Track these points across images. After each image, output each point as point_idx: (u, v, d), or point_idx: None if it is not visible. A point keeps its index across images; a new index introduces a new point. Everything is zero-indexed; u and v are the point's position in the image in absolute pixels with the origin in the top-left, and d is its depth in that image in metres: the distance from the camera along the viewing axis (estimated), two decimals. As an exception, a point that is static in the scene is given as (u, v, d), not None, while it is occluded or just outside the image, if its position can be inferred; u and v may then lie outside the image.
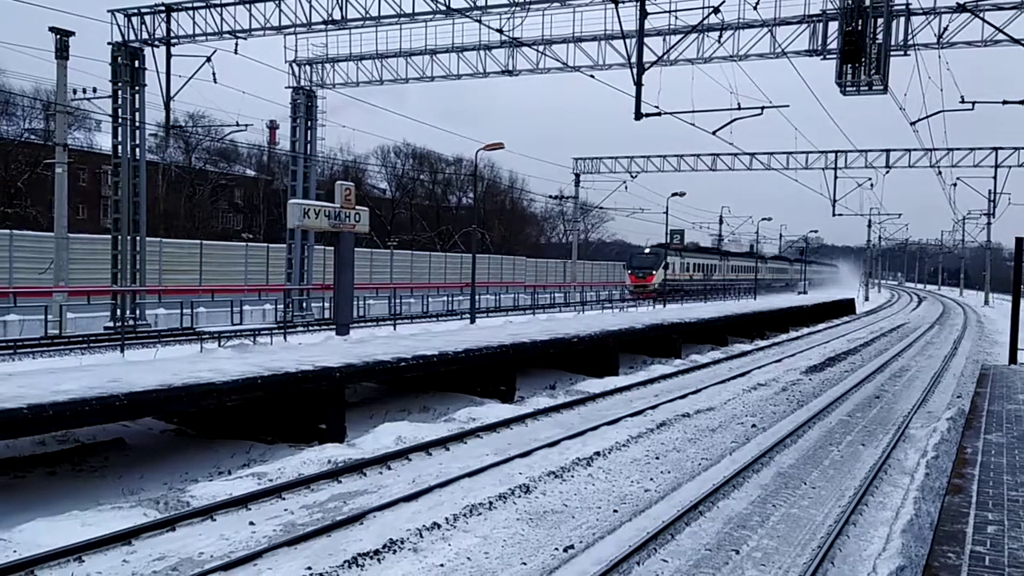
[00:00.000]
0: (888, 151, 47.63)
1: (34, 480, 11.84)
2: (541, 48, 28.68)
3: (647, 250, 64.10)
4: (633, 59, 23.39)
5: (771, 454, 13.60)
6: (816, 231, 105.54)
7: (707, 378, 22.87)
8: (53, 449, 13.03)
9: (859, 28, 22.46)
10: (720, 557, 8.90)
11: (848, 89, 23.16)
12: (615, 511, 10.44)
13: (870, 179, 51.57)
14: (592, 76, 25.20)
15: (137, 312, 28.79)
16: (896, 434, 15.50)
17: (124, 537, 8.84)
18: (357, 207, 22.91)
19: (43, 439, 12.95)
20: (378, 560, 8.48)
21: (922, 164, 46.58)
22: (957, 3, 23.59)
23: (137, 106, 28.97)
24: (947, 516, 7.82)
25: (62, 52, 27.11)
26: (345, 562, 8.29)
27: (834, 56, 23.78)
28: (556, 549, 9.00)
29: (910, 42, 24.40)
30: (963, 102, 25.19)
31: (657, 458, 13.35)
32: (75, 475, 12.26)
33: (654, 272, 61.10)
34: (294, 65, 33.33)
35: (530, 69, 29.96)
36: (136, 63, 28.77)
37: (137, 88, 28.84)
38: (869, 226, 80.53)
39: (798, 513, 10.60)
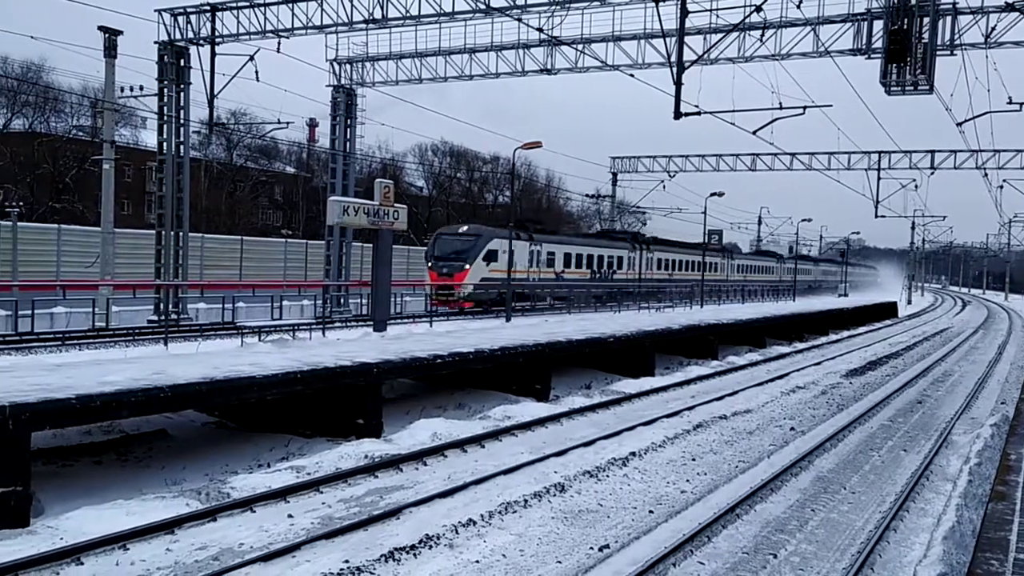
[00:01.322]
0: (933, 152, 46.77)
1: (81, 469, 12.13)
2: (580, 47, 28.61)
3: (462, 229, 38.13)
4: (673, 58, 23.22)
5: (810, 458, 13.46)
6: (858, 232, 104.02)
7: (744, 380, 22.68)
8: (99, 439, 13.33)
9: (905, 27, 22.07)
10: (758, 561, 8.84)
11: (893, 89, 22.78)
12: (651, 512, 10.42)
13: (914, 180, 50.60)
14: (632, 75, 25.09)
15: (180, 306, 29.27)
16: (938, 440, 15.25)
17: (167, 526, 9.03)
18: (395, 204, 23.08)
19: (89, 429, 13.24)
20: (414, 555, 8.55)
21: (968, 165, 45.63)
22: (1005, 2, 23.07)
23: (182, 104, 29.45)
24: (990, 523, 7.70)
25: (110, 51, 27.67)
26: (382, 556, 8.39)
27: (879, 55, 23.41)
28: (591, 548, 9.01)
29: (957, 42, 23.94)
30: (1011, 103, 24.69)
31: (693, 459, 13.28)
32: (120, 465, 12.54)
33: (467, 266, 35.45)
34: (334, 64, 33.64)
35: (569, 68, 29.90)
36: (182, 62, 29.25)
37: (182, 86, 29.32)
38: (913, 228, 79.25)
39: (837, 518, 10.48)
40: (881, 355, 29.88)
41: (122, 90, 30.61)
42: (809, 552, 9.18)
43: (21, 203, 38.07)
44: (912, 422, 17.35)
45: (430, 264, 36.99)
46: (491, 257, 35.88)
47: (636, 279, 47.65)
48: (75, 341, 21.57)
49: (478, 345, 17.78)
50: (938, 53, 23.35)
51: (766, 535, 9.65)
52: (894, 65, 22.32)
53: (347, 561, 8.22)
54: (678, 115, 21.95)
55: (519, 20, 24.87)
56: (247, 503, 10.01)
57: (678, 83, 22.06)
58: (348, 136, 34.36)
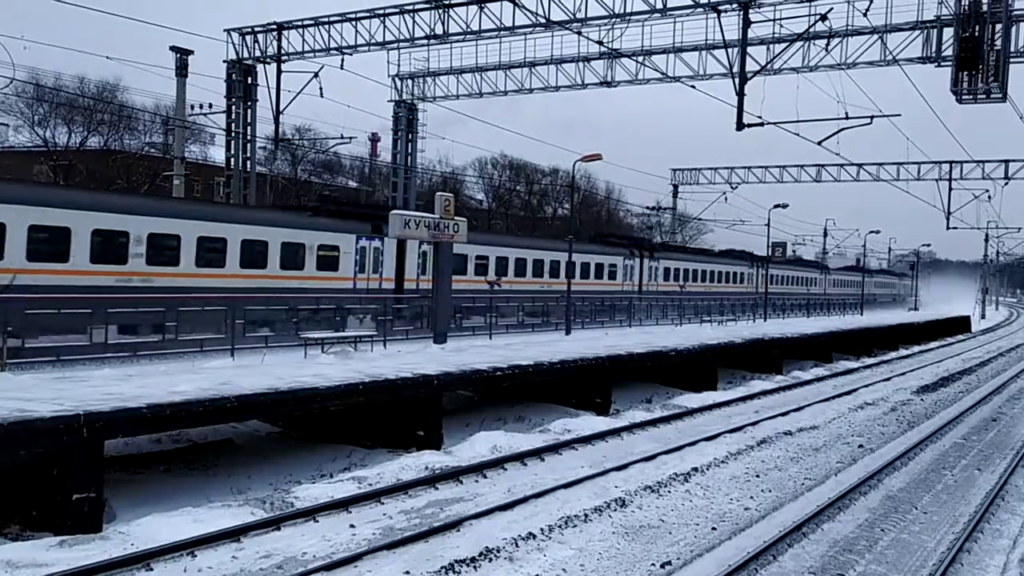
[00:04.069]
0: (1007, 162, 45.30)
1: (150, 477, 12.44)
2: (640, 59, 28.52)
3: None
4: (735, 69, 22.98)
5: (879, 476, 13.08)
6: (928, 244, 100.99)
7: (810, 395, 22.18)
8: (168, 447, 13.68)
9: (976, 34, 21.46)
10: (824, 581, 8.61)
11: (964, 97, 22.16)
12: (713, 528, 10.23)
13: (987, 191, 49.05)
14: (693, 86, 24.90)
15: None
16: (1015, 459, 14.68)
17: (233, 534, 9.20)
18: (456, 218, 23.22)
19: (159, 437, 13.59)
20: (474, 567, 8.55)
21: (1044, 175, 44.10)
22: (1085, 6, 22.30)
23: (249, 120, 30.24)
24: (1074, 549, 7.36)
25: (182, 70, 28.58)
26: (442, 568, 8.40)
27: (949, 63, 22.82)
28: (653, 565, 8.88)
29: (1032, 48, 23.21)
30: (1091, 110, 23.77)
31: (757, 476, 13.02)
32: (188, 473, 12.83)
33: None
34: (396, 79, 34.15)
35: (629, 80, 29.83)
36: (249, 79, 30.06)
37: (249, 103, 30.10)
38: (986, 240, 76.55)
39: (908, 538, 10.16)
40: (953, 371, 28.94)
41: (192, 108, 31.66)
42: (879, 573, 8.91)
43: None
44: (987, 440, 16.74)
45: None
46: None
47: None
48: (146, 352, 22.19)
49: (538, 358, 17.76)
50: (1012, 60, 22.66)
51: (834, 555, 9.40)
52: (965, 73, 21.72)
53: (407, 572, 8.26)
54: (740, 126, 21.72)
55: (579, 33, 24.91)
56: (310, 512, 10.14)
57: (740, 94, 21.84)
58: (409, 150, 34.82)
